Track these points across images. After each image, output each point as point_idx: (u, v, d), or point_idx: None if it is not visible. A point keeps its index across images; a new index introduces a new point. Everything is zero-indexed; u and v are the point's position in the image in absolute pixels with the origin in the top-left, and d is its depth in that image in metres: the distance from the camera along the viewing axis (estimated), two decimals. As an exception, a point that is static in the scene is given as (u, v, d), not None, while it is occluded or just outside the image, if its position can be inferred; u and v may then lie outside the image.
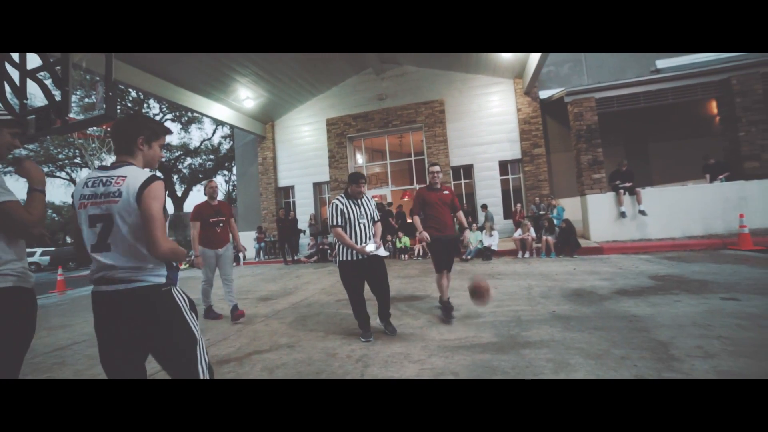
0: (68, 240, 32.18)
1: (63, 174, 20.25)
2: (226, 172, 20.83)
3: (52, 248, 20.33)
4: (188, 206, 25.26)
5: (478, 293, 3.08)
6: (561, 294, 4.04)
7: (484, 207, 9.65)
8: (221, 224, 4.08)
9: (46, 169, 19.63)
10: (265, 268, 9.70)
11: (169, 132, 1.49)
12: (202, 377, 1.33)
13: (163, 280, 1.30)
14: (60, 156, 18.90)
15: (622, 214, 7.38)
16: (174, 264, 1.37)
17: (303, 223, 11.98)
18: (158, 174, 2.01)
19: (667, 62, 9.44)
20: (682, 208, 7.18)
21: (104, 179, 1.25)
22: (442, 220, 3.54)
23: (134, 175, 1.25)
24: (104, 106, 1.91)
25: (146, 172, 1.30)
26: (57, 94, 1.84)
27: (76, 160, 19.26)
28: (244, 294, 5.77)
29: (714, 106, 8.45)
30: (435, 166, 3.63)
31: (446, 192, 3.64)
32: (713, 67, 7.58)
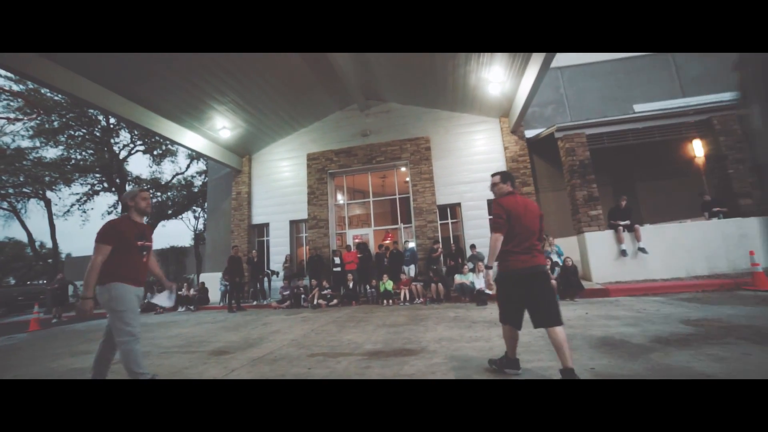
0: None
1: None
2: (197, 209, 19.55)
3: None
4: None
5: None
6: (588, 344, 3.30)
7: (473, 247, 9.05)
8: (145, 253, 2.79)
9: None
10: (227, 314, 8.49)
11: None
12: None
13: None
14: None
15: (623, 253, 6.92)
16: None
17: (276, 264, 11.00)
18: None
19: (644, 107, 9.65)
20: (683, 246, 6.81)
21: None
22: (529, 242, 2.55)
23: None
24: None
25: None
26: None
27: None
28: (195, 346, 4.69)
29: (696, 147, 8.47)
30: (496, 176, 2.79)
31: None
32: (695, 107, 7.67)
